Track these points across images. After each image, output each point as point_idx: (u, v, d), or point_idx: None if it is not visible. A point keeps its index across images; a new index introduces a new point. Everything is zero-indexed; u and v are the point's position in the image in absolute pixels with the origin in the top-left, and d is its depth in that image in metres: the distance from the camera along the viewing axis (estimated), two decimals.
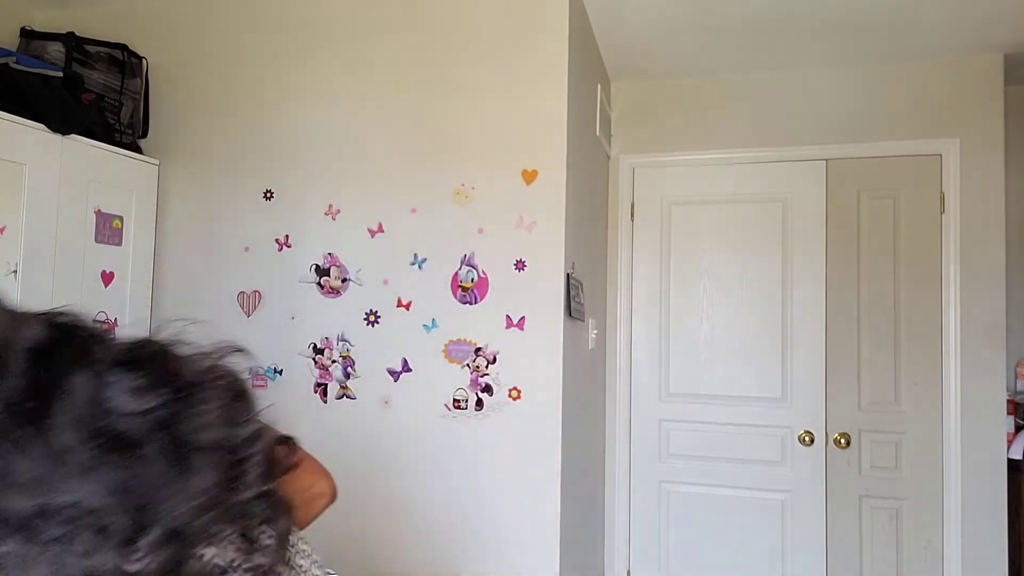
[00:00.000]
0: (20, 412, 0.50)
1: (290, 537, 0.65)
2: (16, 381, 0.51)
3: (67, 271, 2.05)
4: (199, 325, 0.67)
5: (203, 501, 0.54)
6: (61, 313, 0.58)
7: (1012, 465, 2.61)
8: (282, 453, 0.69)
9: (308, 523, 0.84)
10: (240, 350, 0.67)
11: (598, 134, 2.60)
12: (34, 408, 0.50)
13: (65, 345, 0.55)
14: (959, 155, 2.65)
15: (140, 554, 0.49)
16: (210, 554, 0.55)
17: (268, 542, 0.60)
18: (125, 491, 0.50)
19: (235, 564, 0.56)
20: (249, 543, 0.58)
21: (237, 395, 0.63)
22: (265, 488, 0.60)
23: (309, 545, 0.76)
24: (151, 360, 0.58)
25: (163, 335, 0.62)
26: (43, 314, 0.58)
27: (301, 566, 0.71)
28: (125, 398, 0.53)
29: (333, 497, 0.89)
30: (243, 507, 0.58)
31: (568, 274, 2.08)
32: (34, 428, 0.50)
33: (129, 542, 0.49)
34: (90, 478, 0.49)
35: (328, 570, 0.77)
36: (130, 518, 0.50)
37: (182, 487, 0.53)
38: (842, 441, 2.72)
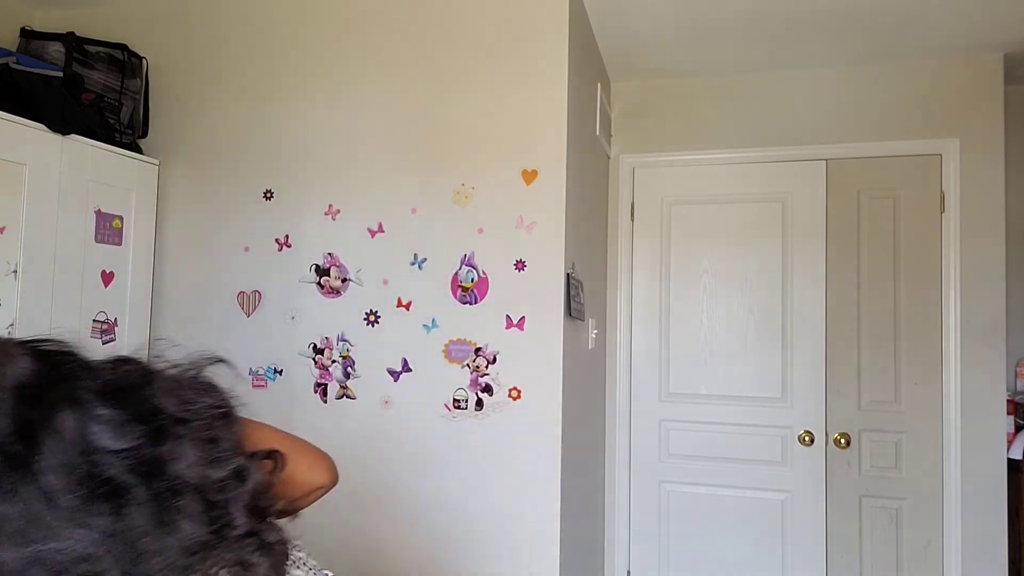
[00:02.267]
0: (7, 455, 0.49)
1: (285, 558, 0.64)
2: (2, 421, 0.50)
3: (67, 271, 2.05)
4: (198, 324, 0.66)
5: (193, 544, 0.54)
6: (45, 341, 0.58)
7: (1012, 465, 2.62)
8: (268, 468, 0.69)
9: (307, 505, 0.84)
10: (221, 360, 0.66)
11: (598, 134, 2.60)
12: (22, 451, 0.50)
13: (51, 380, 0.54)
14: (959, 155, 2.65)
15: None
16: None
17: (262, 567, 0.60)
18: (115, 538, 0.50)
19: None
20: (244, 569, 0.58)
21: (220, 418, 0.62)
22: (255, 526, 0.60)
23: (304, 551, 0.75)
24: (131, 392, 0.57)
25: (142, 354, 0.62)
26: (28, 344, 0.57)
27: None
28: (108, 435, 0.53)
29: (333, 483, 0.88)
30: (235, 542, 0.58)
31: (568, 274, 2.08)
32: (22, 472, 0.49)
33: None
34: (80, 525, 0.49)
35: (327, 572, 0.76)
36: (120, 568, 0.49)
37: (171, 532, 0.53)
38: (842, 441, 2.72)
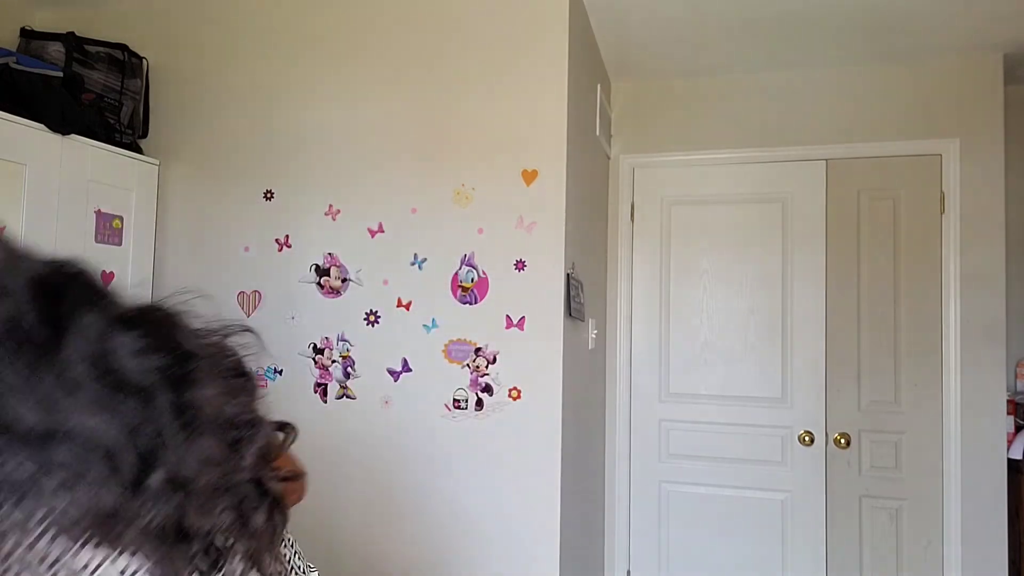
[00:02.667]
0: (31, 338, 0.49)
1: (283, 520, 0.64)
2: (25, 308, 0.50)
3: None
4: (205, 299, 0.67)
5: (205, 463, 0.54)
6: (70, 262, 0.58)
7: (1012, 465, 2.62)
8: (279, 439, 0.69)
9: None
10: (248, 330, 0.67)
11: (598, 134, 2.60)
12: (46, 337, 0.50)
13: (74, 287, 0.55)
14: (959, 155, 2.65)
15: (147, 495, 0.50)
16: (207, 524, 0.54)
17: (261, 524, 0.59)
18: (134, 432, 0.50)
19: (229, 541, 0.56)
20: (243, 523, 0.57)
21: (239, 375, 0.63)
22: (261, 474, 0.60)
23: (291, 534, 0.76)
24: (157, 323, 0.58)
25: (171, 302, 0.63)
26: (51, 260, 0.58)
27: (284, 555, 0.72)
28: (128, 354, 0.53)
29: (302, 495, 0.88)
30: (240, 486, 0.58)
31: (568, 274, 2.08)
32: (46, 356, 0.49)
33: (137, 481, 0.49)
34: (101, 414, 0.49)
35: (309, 564, 0.77)
36: (139, 458, 0.50)
37: (187, 444, 0.53)
38: (842, 441, 2.72)
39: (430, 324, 2.12)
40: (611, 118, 2.94)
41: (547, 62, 2.08)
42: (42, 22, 2.47)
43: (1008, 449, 2.62)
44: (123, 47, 2.33)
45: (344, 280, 2.20)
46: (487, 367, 2.07)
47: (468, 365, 2.08)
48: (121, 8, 2.47)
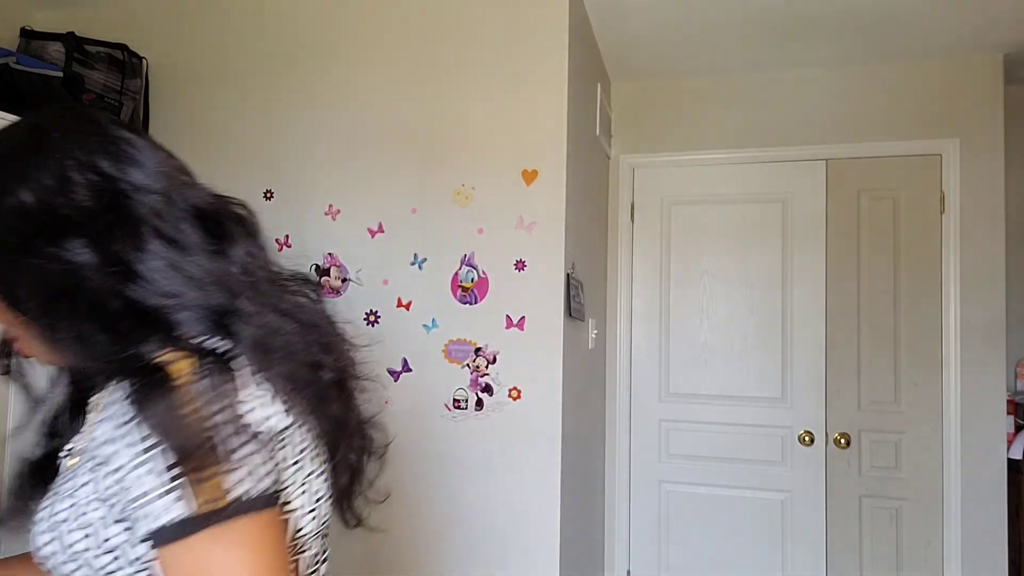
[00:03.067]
0: (202, 248, 0.63)
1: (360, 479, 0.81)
2: (188, 225, 0.64)
3: None
4: None
5: (356, 368, 0.72)
6: (240, 202, 0.75)
7: (1012, 465, 2.62)
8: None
9: None
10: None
11: (598, 134, 2.60)
12: (215, 251, 0.64)
13: (234, 221, 0.71)
14: (959, 155, 2.65)
15: (323, 371, 0.66)
16: (354, 417, 0.75)
17: (365, 457, 0.80)
18: (314, 337, 0.66)
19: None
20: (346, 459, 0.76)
21: None
22: (366, 429, 0.80)
23: None
24: (314, 284, 0.74)
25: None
26: (219, 195, 0.74)
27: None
28: (295, 290, 0.69)
29: None
30: (356, 424, 0.77)
31: (568, 274, 2.08)
32: (222, 260, 0.64)
33: (320, 362, 0.66)
34: (293, 314, 0.65)
35: None
36: (319, 344, 0.66)
37: (348, 353, 0.70)
38: (842, 441, 2.72)
39: (430, 324, 2.12)
40: (611, 118, 2.94)
41: (547, 62, 2.08)
42: (42, 22, 2.47)
43: (1008, 449, 2.62)
44: (123, 47, 2.33)
45: (344, 280, 2.20)
46: (487, 367, 2.07)
47: (468, 365, 2.08)
48: (121, 8, 2.47)
